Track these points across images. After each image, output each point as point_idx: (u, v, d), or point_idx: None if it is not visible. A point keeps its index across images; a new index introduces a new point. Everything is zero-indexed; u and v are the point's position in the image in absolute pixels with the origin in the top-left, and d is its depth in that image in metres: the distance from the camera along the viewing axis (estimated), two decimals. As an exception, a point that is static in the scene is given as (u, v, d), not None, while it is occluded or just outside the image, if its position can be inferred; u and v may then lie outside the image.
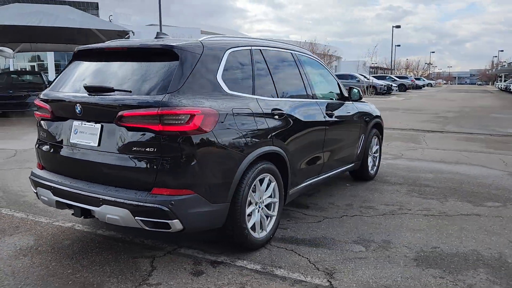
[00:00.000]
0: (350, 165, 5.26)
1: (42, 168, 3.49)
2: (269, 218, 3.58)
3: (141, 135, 2.86)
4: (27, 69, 42.11)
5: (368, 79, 31.52)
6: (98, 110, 3.05)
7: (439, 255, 3.39)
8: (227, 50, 3.36)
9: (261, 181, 3.43)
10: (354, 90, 5.07)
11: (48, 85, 6.87)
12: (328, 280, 2.96)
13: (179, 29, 46.42)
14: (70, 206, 3.13)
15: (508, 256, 3.38)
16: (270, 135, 3.44)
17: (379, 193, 5.18)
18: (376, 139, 5.89)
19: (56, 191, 3.18)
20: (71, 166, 3.22)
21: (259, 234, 3.43)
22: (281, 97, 3.82)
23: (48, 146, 3.40)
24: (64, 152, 3.25)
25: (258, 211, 3.43)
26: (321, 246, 3.55)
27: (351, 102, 5.20)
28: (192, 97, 2.90)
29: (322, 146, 4.36)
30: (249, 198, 3.27)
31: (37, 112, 3.49)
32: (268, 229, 3.54)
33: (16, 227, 3.92)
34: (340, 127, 4.81)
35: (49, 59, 45.16)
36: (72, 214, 3.19)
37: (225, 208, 3.07)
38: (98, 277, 2.95)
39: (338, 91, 5.07)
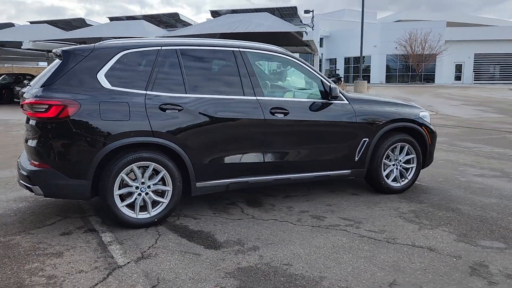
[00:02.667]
0: (343, 171, 4.75)
1: None
2: (159, 204, 3.92)
3: (28, 119, 3.78)
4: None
5: None
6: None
7: (271, 271, 3.05)
8: (119, 52, 3.86)
9: (144, 168, 3.82)
10: (332, 89, 4.52)
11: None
12: (128, 262, 3.19)
13: (421, 23, 44.18)
14: None
15: (347, 294, 2.76)
16: (150, 127, 3.77)
17: (367, 208, 4.51)
18: (406, 147, 5.01)
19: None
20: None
21: (138, 216, 3.84)
22: (194, 94, 4.02)
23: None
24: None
25: (140, 195, 3.83)
26: (190, 238, 3.66)
27: (346, 102, 4.68)
28: (61, 90, 3.62)
29: (259, 145, 4.24)
30: (122, 181, 3.74)
31: None
32: (154, 213, 3.89)
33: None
34: (305, 127, 4.45)
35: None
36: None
37: (85, 185, 3.66)
38: (12, 221, 4.04)
39: (323, 90, 4.65)
